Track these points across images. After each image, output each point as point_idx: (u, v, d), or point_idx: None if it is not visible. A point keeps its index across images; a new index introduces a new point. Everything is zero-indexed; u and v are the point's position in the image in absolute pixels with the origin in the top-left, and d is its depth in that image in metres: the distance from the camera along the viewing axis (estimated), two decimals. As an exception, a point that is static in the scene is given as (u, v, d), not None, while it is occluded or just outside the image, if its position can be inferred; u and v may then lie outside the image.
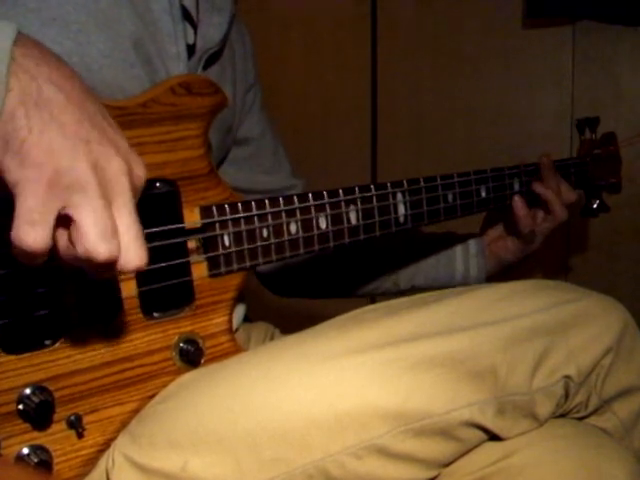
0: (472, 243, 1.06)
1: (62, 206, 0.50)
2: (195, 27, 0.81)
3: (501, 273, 1.07)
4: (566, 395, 0.67)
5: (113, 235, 0.51)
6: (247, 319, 0.96)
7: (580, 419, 0.71)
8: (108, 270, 0.52)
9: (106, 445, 0.65)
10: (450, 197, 0.92)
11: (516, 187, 1.00)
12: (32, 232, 0.48)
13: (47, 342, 0.62)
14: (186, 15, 0.80)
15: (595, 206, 1.17)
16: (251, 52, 0.98)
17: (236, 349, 0.74)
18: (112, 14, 0.70)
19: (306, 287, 1.10)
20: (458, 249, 1.06)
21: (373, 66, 1.86)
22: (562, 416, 0.70)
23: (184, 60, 0.77)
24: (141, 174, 0.55)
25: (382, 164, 1.88)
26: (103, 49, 0.69)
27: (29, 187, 0.49)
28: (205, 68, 0.81)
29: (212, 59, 0.84)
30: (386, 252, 1.07)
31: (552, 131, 1.73)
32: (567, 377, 0.67)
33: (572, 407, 0.69)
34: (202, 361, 0.71)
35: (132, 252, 0.52)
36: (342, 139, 1.89)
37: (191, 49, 0.80)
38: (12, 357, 0.60)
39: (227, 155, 0.95)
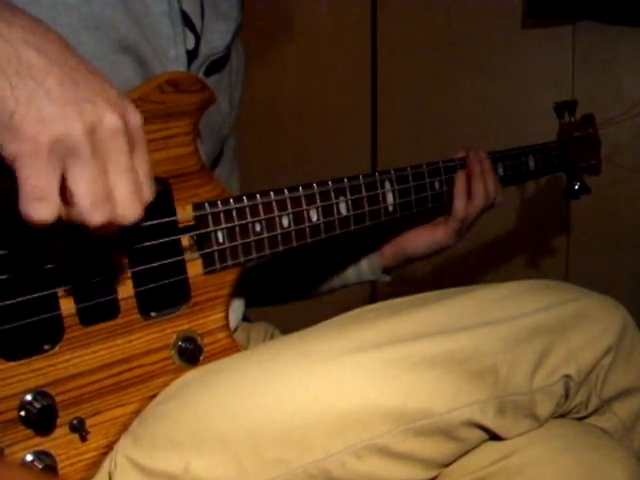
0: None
1: (60, 173, 0.50)
2: (197, 33, 0.81)
3: (405, 265, 0.99)
4: (566, 395, 0.67)
5: (106, 200, 0.52)
6: (246, 319, 0.96)
7: (580, 419, 0.71)
8: (104, 229, 0.54)
9: (110, 447, 0.65)
10: (437, 184, 0.93)
11: (500, 172, 1.00)
12: (41, 208, 0.49)
13: (46, 347, 0.62)
14: (187, 21, 0.79)
15: (577, 188, 1.18)
16: (243, 75, 0.97)
17: (234, 345, 0.74)
18: (104, 17, 0.70)
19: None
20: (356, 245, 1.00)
21: (373, 66, 1.86)
22: (562, 416, 0.70)
23: (183, 63, 0.77)
24: (137, 119, 0.55)
25: (382, 164, 1.88)
26: (93, 52, 0.68)
27: (29, 162, 0.49)
28: (206, 75, 0.81)
29: (214, 67, 0.83)
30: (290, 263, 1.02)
31: (552, 131, 1.73)
32: (567, 377, 0.67)
33: (572, 407, 0.69)
34: (201, 358, 0.71)
35: (127, 209, 0.54)
36: (342, 139, 1.89)
37: (192, 55, 0.79)
38: (12, 363, 0.60)
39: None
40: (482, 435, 0.65)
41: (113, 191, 0.53)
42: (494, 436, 0.65)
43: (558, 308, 0.69)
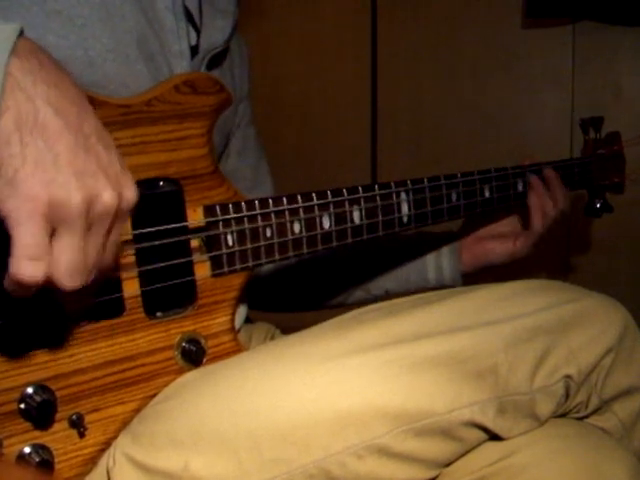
0: (444, 241, 1.03)
1: (50, 235, 0.51)
2: (197, 29, 0.81)
3: (480, 272, 1.03)
4: (566, 395, 0.67)
5: (83, 270, 0.52)
6: (248, 319, 0.96)
7: (580, 419, 0.71)
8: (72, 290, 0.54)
9: (107, 444, 0.65)
10: (454, 196, 0.91)
11: (519, 187, 0.99)
12: (32, 267, 0.49)
13: (49, 341, 0.62)
14: (189, 17, 0.80)
15: (598, 206, 1.15)
16: (247, 65, 0.98)
17: (238, 348, 0.74)
18: (116, 9, 0.70)
19: (274, 300, 1.08)
20: (430, 248, 1.03)
21: (373, 66, 1.86)
22: (562, 416, 0.70)
23: (187, 58, 0.77)
24: (131, 197, 0.55)
25: (382, 164, 1.88)
26: (107, 44, 0.69)
27: (24, 221, 0.49)
28: (208, 70, 0.82)
29: (214, 62, 0.84)
30: (355, 260, 1.04)
31: (552, 131, 1.73)
32: (568, 377, 0.67)
33: (572, 407, 0.69)
34: (204, 361, 0.71)
35: (69, 277, 0.53)
36: (342, 139, 1.89)
37: (194, 51, 0.80)
38: (14, 356, 0.60)
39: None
40: (482, 435, 0.65)
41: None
42: (494, 436, 0.65)
43: (559, 308, 0.69)
